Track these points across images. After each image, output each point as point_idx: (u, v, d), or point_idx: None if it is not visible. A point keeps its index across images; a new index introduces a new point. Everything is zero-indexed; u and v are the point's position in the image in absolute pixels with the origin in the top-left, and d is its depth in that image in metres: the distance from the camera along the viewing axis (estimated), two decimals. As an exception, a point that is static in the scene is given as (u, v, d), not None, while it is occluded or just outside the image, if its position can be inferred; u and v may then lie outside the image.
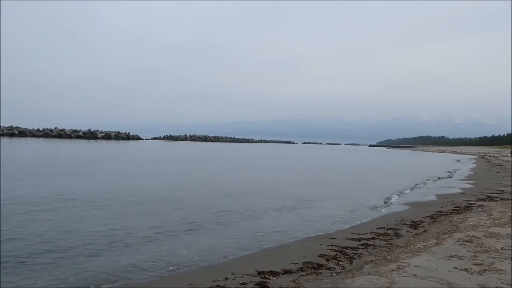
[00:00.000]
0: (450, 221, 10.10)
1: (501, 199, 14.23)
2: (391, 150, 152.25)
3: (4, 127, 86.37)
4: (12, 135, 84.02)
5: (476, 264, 6.06)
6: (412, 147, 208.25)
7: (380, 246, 7.69)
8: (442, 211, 11.87)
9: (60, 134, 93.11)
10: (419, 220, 10.48)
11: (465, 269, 5.82)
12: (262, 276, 5.97)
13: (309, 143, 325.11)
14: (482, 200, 14.19)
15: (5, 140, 65.03)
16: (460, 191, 17.74)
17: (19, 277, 5.90)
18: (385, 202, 14.48)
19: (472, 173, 29.72)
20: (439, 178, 25.48)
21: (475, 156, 71.97)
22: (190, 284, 5.62)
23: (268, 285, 5.56)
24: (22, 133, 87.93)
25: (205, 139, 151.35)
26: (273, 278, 5.88)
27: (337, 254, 7.12)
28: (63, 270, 6.23)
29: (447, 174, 29.38)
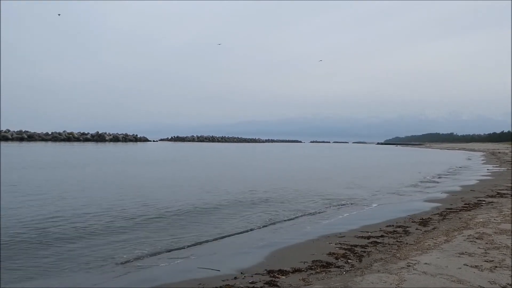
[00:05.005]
0: (460, 218, 10.03)
1: (512, 196, 14.10)
2: (399, 147, 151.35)
3: (13, 131, 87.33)
4: (21, 139, 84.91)
5: (487, 261, 6.02)
6: (420, 144, 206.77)
7: (389, 244, 7.67)
8: (451, 208, 11.80)
9: (69, 138, 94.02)
10: (429, 218, 10.42)
11: (476, 266, 5.79)
12: (272, 275, 5.98)
13: (316, 142, 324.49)
14: (492, 196, 14.07)
15: (15, 145, 65.68)
16: (469, 188, 17.60)
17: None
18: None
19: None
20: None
21: (484, 153, 71.23)
22: (200, 284, 5.66)
23: (278, 283, 5.57)
24: (31, 137, 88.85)
25: (212, 139, 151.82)
26: (283, 276, 5.90)
27: (346, 252, 7.10)
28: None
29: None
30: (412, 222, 9.96)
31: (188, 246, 7.97)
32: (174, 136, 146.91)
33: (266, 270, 6.22)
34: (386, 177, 24.64)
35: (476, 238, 7.47)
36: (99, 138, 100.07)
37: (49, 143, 77.16)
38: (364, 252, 7.12)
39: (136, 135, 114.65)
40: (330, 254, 7.04)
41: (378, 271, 5.76)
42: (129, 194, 14.25)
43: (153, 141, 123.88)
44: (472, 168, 33.23)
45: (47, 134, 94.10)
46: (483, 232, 7.94)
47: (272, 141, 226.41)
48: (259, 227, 9.86)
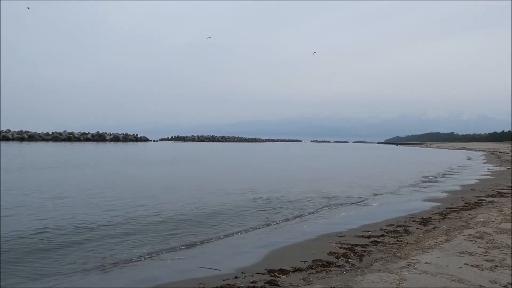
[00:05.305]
0: (460, 217, 10.03)
1: (512, 195, 14.08)
2: (400, 147, 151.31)
3: (14, 131, 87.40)
4: (22, 139, 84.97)
5: (487, 260, 6.02)
6: (421, 144, 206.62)
7: (389, 243, 7.67)
8: (452, 208, 11.79)
9: (69, 137, 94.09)
10: (429, 217, 10.42)
11: (476, 266, 5.79)
12: (272, 274, 5.98)
13: (316, 141, 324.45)
14: (492, 196, 14.06)
15: (16, 145, 65.67)
16: (470, 187, 17.59)
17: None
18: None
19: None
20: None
21: (484, 153, 71.16)
22: (201, 283, 5.66)
23: (278, 283, 5.57)
24: (32, 137, 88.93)
25: (212, 139, 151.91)
26: (283, 276, 5.90)
27: (346, 252, 7.10)
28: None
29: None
30: (413, 221, 9.96)
31: (188, 246, 7.97)
32: (174, 136, 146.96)
33: (266, 269, 6.22)
34: (386, 176, 24.62)
35: (477, 238, 7.47)
36: (99, 138, 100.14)
37: (50, 143, 77.20)
38: (365, 251, 7.12)
39: (137, 135, 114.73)
40: (330, 253, 7.04)
41: (379, 270, 5.76)
42: (129, 194, 14.26)
43: (154, 140, 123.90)
44: (473, 167, 33.22)
45: (47, 134, 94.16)
46: (484, 232, 7.94)
47: (272, 140, 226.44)
48: (259, 226, 9.86)
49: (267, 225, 10.08)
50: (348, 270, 5.99)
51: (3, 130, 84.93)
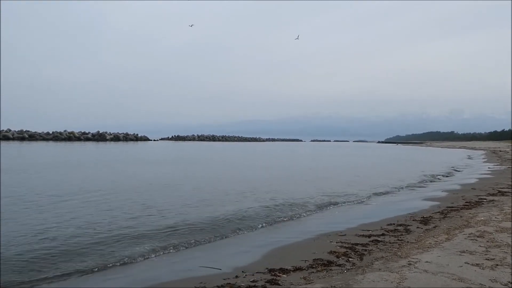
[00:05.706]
0: (461, 216, 10.03)
1: (513, 194, 14.06)
2: (400, 146, 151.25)
3: (14, 131, 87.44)
4: (22, 139, 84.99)
5: (488, 259, 6.02)
6: (421, 143, 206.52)
7: (390, 242, 7.66)
8: (452, 207, 11.78)
9: (70, 137, 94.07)
10: (430, 216, 10.41)
11: (477, 264, 5.79)
12: (273, 273, 5.98)
13: (317, 140, 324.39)
14: (493, 195, 14.05)
15: (16, 144, 65.69)
16: (470, 186, 17.58)
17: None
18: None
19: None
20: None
21: (485, 152, 71.11)
22: (201, 283, 5.66)
23: (279, 282, 5.57)
24: (32, 136, 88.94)
25: (212, 138, 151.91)
26: (284, 275, 5.90)
27: (347, 251, 7.10)
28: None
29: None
30: (413, 220, 9.96)
31: (189, 245, 7.98)
32: (174, 135, 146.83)
33: (267, 268, 6.22)
34: (387, 175, 24.61)
35: (477, 236, 7.47)
36: (100, 137, 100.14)
37: (50, 143, 77.19)
38: (365, 250, 7.12)
39: (137, 135, 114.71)
40: (331, 252, 7.04)
41: (379, 269, 5.76)
42: (130, 194, 14.26)
43: (154, 140, 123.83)
44: (473, 166, 33.20)
45: (48, 133, 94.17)
46: (484, 231, 7.93)
47: (273, 140, 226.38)
48: (259, 225, 9.87)
49: (268, 224, 10.10)
50: (348, 269, 5.99)
51: (3, 130, 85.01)
